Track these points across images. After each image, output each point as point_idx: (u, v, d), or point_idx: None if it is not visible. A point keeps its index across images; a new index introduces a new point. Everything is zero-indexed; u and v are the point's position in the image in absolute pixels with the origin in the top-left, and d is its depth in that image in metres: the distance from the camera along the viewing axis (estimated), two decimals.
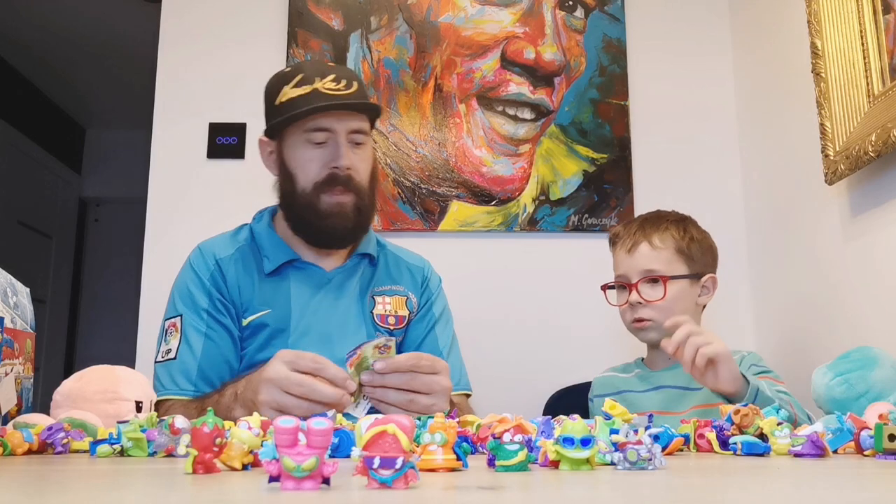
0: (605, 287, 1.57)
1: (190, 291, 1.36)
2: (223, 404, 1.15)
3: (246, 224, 1.48)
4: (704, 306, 1.54)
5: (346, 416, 1.00)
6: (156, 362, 1.35)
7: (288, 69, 1.41)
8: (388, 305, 1.41)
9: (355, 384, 1.06)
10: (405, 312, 1.43)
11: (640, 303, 1.47)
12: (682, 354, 1.23)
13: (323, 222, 1.35)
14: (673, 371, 1.47)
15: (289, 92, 1.35)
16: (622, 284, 1.52)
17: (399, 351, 1.39)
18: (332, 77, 1.34)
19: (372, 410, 1.08)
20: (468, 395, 1.46)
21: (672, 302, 1.46)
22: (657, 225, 1.52)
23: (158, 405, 1.29)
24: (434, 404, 1.10)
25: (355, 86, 1.36)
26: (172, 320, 1.36)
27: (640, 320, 1.48)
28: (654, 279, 1.47)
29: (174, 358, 1.31)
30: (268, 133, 1.41)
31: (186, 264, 1.42)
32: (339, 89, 1.33)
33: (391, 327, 1.41)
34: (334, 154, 1.34)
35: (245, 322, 1.34)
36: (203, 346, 1.32)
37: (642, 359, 1.59)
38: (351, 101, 1.33)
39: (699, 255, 1.50)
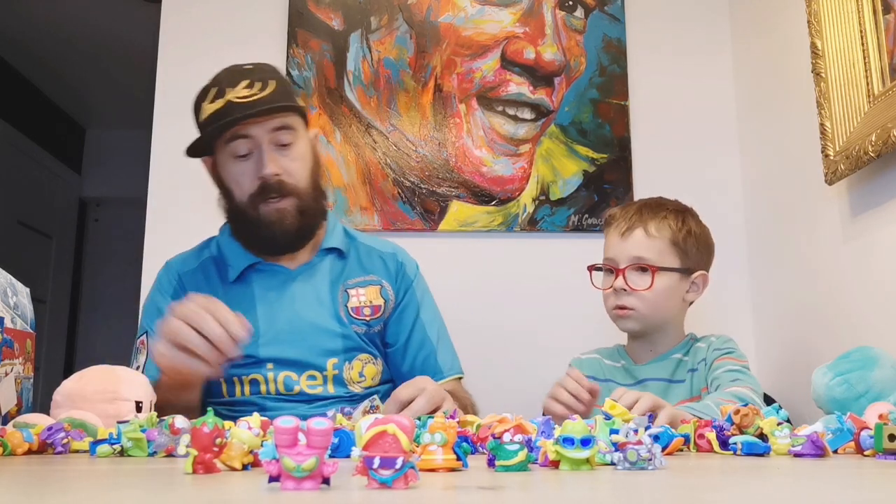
0: (591, 268, 1.52)
1: (154, 308, 1.37)
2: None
3: (213, 237, 1.48)
4: (691, 303, 1.53)
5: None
6: None
7: (207, 83, 1.37)
8: (361, 297, 1.40)
9: (244, 331, 1.11)
10: (380, 302, 1.41)
11: (624, 289, 1.44)
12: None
13: (265, 231, 1.33)
14: (656, 364, 1.47)
15: (206, 108, 1.33)
16: (610, 268, 1.49)
17: (378, 336, 1.40)
18: (244, 84, 1.30)
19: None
20: (460, 378, 1.45)
21: (658, 294, 1.44)
22: (656, 212, 1.48)
23: None
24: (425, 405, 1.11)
25: (272, 85, 1.31)
26: (141, 338, 1.36)
27: (622, 308, 1.46)
28: (642, 267, 1.44)
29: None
30: (199, 152, 1.39)
31: (153, 284, 1.43)
32: (252, 94, 1.29)
33: (367, 318, 1.40)
34: (258, 165, 1.31)
35: None
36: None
37: (623, 346, 1.56)
38: (260, 108, 1.28)
39: (694, 250, 1.48)
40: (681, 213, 1.50)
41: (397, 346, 1.43)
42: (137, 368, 1.30)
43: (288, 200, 1.33)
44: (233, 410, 1.32)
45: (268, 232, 1.33)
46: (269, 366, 1.34)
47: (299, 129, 1.36)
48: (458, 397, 1.34)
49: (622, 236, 1.47)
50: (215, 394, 1.34)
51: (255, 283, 1.39)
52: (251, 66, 1.37)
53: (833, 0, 1.51)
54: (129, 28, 3.27)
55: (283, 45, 2.06)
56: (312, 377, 1.34)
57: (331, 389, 1.35)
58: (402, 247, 1.53)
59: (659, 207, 1.50)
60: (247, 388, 1.34)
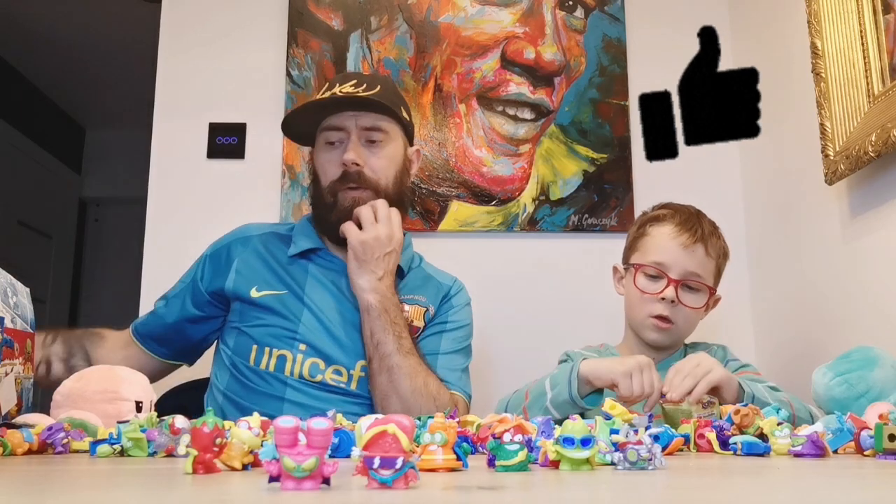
0: (637, 267, 1.43)
1: (199, 260, 1.48)
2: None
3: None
4: None
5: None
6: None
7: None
8: (406, 313, 1.40)
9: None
10: (421, 324, 1.43)
11: (673, 301, 1.40)
12: (681, 392, 1.18)
13: (337, 216, 1.39)
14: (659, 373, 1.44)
15: (311, 101, 1.44)
16: (659, 274, 1.41)
17: None
18: (353, 82, 1.39)
19: None
20: (464, 400, 1.43)
21: (698, 313, 1.43)
22: (714, 231, 1.44)
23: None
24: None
25: (378, 88, 1.39)
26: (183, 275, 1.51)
27: (665, 319, 1.41)
28: (694, 285, 1.41)
29: (160, 302, 1.50)
30: (305, 140, 1.51)
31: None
32: (355, 91, 1.38)
33: None
34: (344, 152, 1.38)
35: (256, 295, 1.39)
36: (166, 305, 1.47)
37: (614, 350, 1.52)
38: (360, 98, 1.37)
39: (721, 273, 1.47)
40: (721, 234, 1.47)
41: None
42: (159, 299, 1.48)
43: (366, 192, 1.39)
44: (253, 391, 1.35)
45: (339, 217, 1.38)
46: (302, 346, 1.36)
47: (393, 134, 1.43)
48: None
49: (684, 248, 1.40)
50: (244, 354, 1.37)
51: (312, 266, 1.43)
52: (369, 74, 1.52)
53: (833, 0, 1.51)
54: (129, 28, 3.27)
55: (283, 45, 2.07)
56: (338, 372, 1.36)
57: (353, 387, 1.36)
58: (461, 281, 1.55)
59: (712, 225, 1.46)
60: (272, 362, 1.36)
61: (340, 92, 1.38)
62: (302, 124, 1.45)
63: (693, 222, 1.43)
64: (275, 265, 1.43)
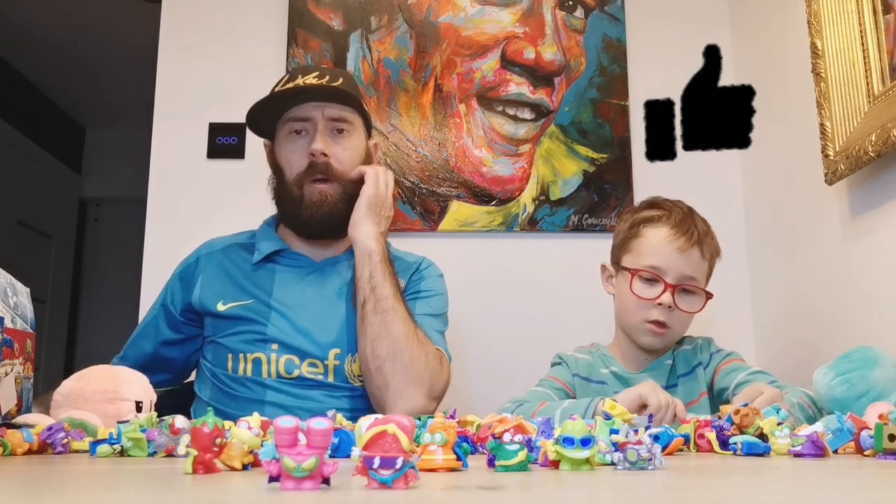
0: (633, 272, 1.40)
1: (168, 284, 1.48)
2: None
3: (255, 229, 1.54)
4: None
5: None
6: None
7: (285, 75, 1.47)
8: None
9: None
10: None
11: (669, 306, 1.37)
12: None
13: (307, 212, 1.39)
14: (651, 372, 1.43)
15: (277, 91, 1.41)
16: (655, 277, 1.39)
17: None
18: (315, 74, 1.39)
19: None
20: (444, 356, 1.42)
21: (693, 317, 1.43)
22: (707, 231, 1.42)
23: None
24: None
25: (341, 80, 1.41)
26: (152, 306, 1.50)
27: (661, 325, 1.39)
28: (690, 289, 1.39)
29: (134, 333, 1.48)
30: (266, 134, 1.48)
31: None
32: (320, 83, 1.38)
33: None
34: (310, 141, 1.38)
35: (223, 308, 1.39)
36: (143, 327, 1.47)
37: (606, 351, 1.49)
38: (323, 88, 1.37)
39: (712, 270, 1.46)
40: (713, 232, 1.45)
41: None
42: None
43: (332, 185, 1.39)
44: (235, 398, 1.36)
45: (308, 213, 1.39)
46: (274, 346, 1.36)
47: (357, 125, 1.44)
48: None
49: (681, 252, 1.38)
50: (221, 364, 1.38)
51: (278, 267, 1.43)
52: (330, 67, 1.47)
53: (833, 0, 1.51)
54: (129, 28, 3.27)
55: (283, 45, 2.06)
56: (313, 364, 1.37)
57: (331, 379, 1.36)
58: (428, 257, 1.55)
59: (705, 225, 1.43)
60: (249, 367, 1.36)
61: (305, 83, 1.37)
62: (266, 117, 1.44)
63: (688, 224, 1.40)
64: (239, 276, 1.42)
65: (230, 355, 1.37)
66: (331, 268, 1.45)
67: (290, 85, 1.39)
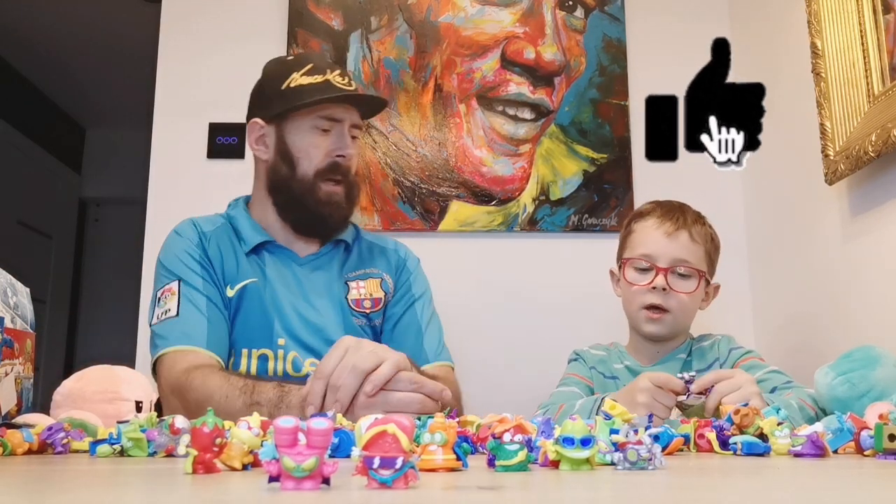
0: (625, 261, 1.46)
1: (182, 257, 1.36)
2: (287, 403, 1.09)
3: (220, 213, 1.50)
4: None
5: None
6: (151, 325, 1.31)
7: (291, 57, 1.48)
8: (362, 289, 1.43)
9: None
10: (380, 294, 1.44)
11: (665, 289, 1.41)
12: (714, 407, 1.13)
13: (319, 210, 1.39)
14: (662, 366, 1.45)
15: (299, 79, 1.38)
16: (648, 265, 1.43)
17: (378, 330, 1.43)
18: (338, 71, 1.41)
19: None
20: (451, 368, 1.44)
21: (693, 299, 1.43)
22: (697, 218, 1.46)
23: (158, 364, 1.24)
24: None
25: (354, 84, 1.44)
26: (168, 286, 1.33)
27: (658, 308, 1.42)
28: (680, 272, 1.42)
29: (176, 315, 1.28)
30: (265, 116, 1.42)
31: (172, 235, 1.43)
32: (346, 84, 1.40)
33: (367, 311, 1.42)
34: (338, 143, 1.39)
35: (231, 292, 1.35)
36: (207, 306, 1.31)
37: (623, 347, 1.53)
38: (363, 95, 1.42)
39: (714, 261, 1.48)
40: (707, 223, 1.49)
41: (387, 331, 1.45)
42: (167, 311, 1.29)
43: (342, 187, 1.40)
44: None
45: (321, 211, 1.39)
46: (281, 341, 1.35)
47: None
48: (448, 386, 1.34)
49: (668, 236, 1.42)
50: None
51: (268, 260, 1.42)
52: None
53: (833, 0, 1.51)
54: (129, 28, 3.27)
55: (283, 45, 2.06)
56: (314, 364, 1.35)
57: None
58: (403, 243, 1.56)
59: (695, 213, 1.48)
60: (254, 364, 1.33)
61: (335, 81, 1.38)
62: (284, 102, 1.39)
63: (675, 212, 1.46)
64: (237, 259, 1.38)
65: (232, 354, 1.35)
66: (317, 263, 1.44)
67: (320, 79, 1.37)
